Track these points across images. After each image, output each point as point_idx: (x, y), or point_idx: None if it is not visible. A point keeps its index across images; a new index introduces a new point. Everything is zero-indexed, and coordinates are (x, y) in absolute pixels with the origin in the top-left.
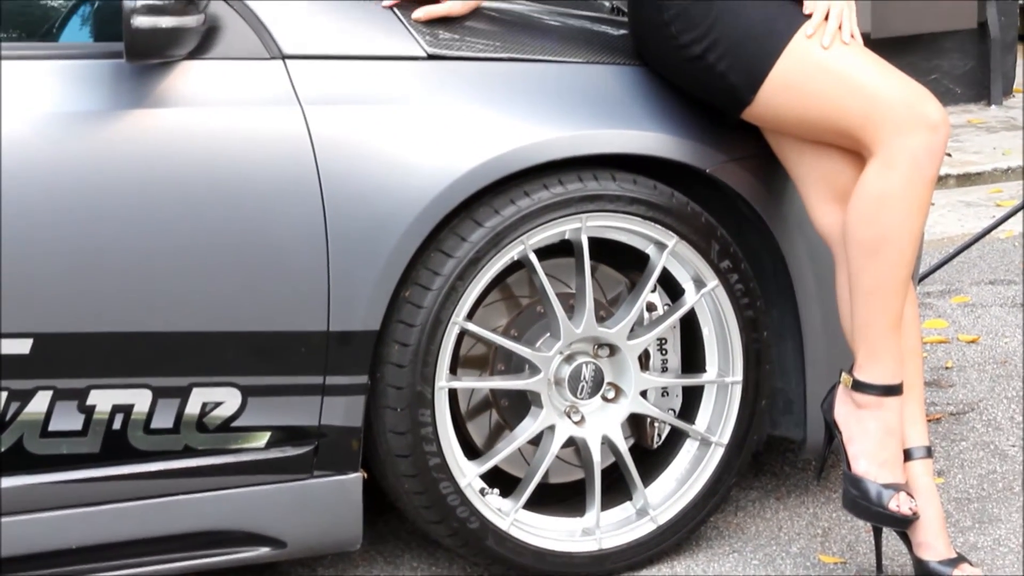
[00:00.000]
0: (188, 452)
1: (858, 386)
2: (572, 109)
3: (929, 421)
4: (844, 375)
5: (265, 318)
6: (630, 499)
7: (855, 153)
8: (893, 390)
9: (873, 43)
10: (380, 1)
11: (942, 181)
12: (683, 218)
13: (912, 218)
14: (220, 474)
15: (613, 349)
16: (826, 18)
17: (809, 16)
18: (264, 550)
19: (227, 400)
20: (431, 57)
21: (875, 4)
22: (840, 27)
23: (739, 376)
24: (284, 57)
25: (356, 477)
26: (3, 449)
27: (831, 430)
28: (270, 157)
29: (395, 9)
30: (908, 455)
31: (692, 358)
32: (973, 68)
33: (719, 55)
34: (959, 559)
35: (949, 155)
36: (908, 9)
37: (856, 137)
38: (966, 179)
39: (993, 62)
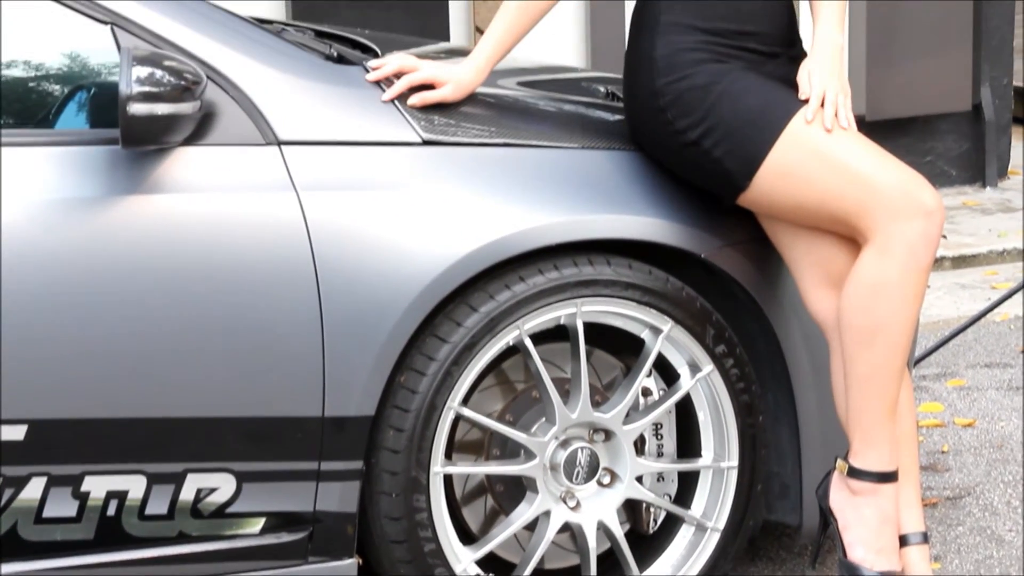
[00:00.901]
0: (183, 538)
1: (853, 473)
2: (567, 194)
3: (925, 506)
4: (839, 462)
5: (260, 403)
6: None
7: (850, 239)
8: (888, 477)
9: (868, 125)
10: (377, 87)
11: (937, 263)
12: (678, 303)
13: (907, 306)
14: (215, 560)
15: (609, 434)
16: (822, 104)
17: (804, 102)
18: None
19: (222, 486)
20: (426, 143)
21: (869, 86)
22: (836, 113)
23: (735, 461)
24: (280, 143)
25: (351, 563)
26: None
27: (827, 516)
28: (265, 242)
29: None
30: (904, 540)
31: (688, 442)
32: (968, 150)
33: (715, 141)
34: None
35: (944, 237)
36: (903, 91)
37: (851, 224)
38: (961, 261)
39: (988, 144)
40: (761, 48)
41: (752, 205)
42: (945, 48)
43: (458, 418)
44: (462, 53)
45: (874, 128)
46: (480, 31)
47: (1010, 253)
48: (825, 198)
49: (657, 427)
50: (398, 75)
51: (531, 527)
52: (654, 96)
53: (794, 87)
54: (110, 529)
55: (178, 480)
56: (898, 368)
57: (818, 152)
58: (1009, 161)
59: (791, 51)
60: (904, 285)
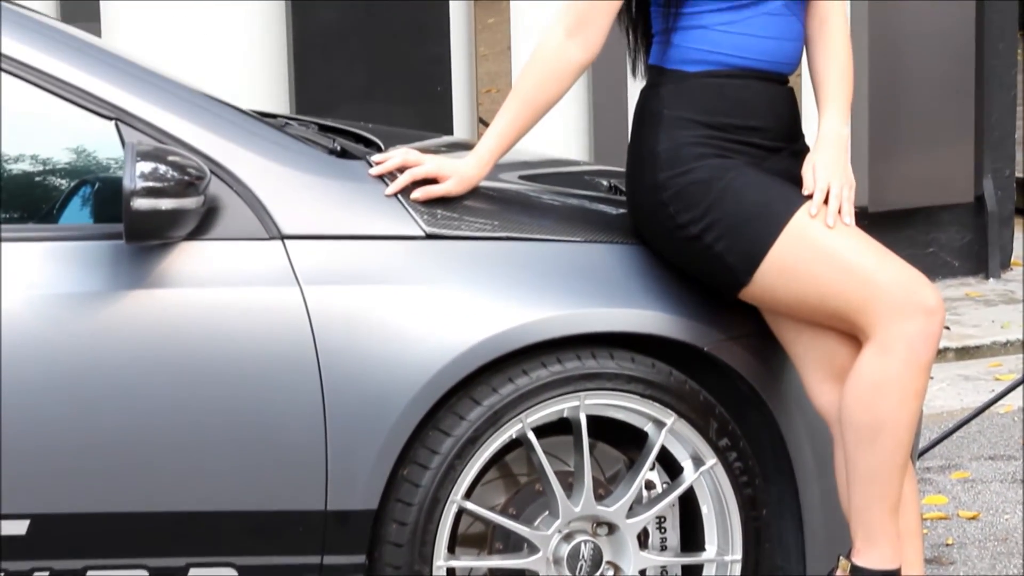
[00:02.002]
0: None
1: (856, 572)
2: (570, 288)
3: None
4: (842, 560)
5: (263, 497)
6: None
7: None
8: (891, 575)
9: (871, 216)
10: (380, 181)
11: (941, 354)
12: (681, 396)
13: (909, 404)
14: None
15: (612, 527)
16: (825, 200)
17: (807, 198)
18: None
19: None
20: (429, 236)
21: (872, 177)
22: (840, 209)
23: (739, 555)
24: (283, 237)
25: None
26: None
27: None
28: (268, 336)
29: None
30: None
31: (691, 536)
32: (971, 241)
33: (717, 235)
34: None
35: (948, 328)
36: (905, 183)
37: (852, 321)
38: (965, 352)
39: (991, 236)
40: (764, 143)
41: (754, 300)
42: (947, 140)
43: (461, 511)
44: (466, 147)
45: (877, 219)
46: (483, 122)
47: (1013, 344)
48: (826, 295)
49: (660, 520)
50: (401, 169)
51: None
52: (656, 190)
53: (797, 181)
54: None
55: (181, 575)
56: (900, 465)
57: (819, 249)
58: (1012, 252)
59: (794, 145)
60: (905, 383)
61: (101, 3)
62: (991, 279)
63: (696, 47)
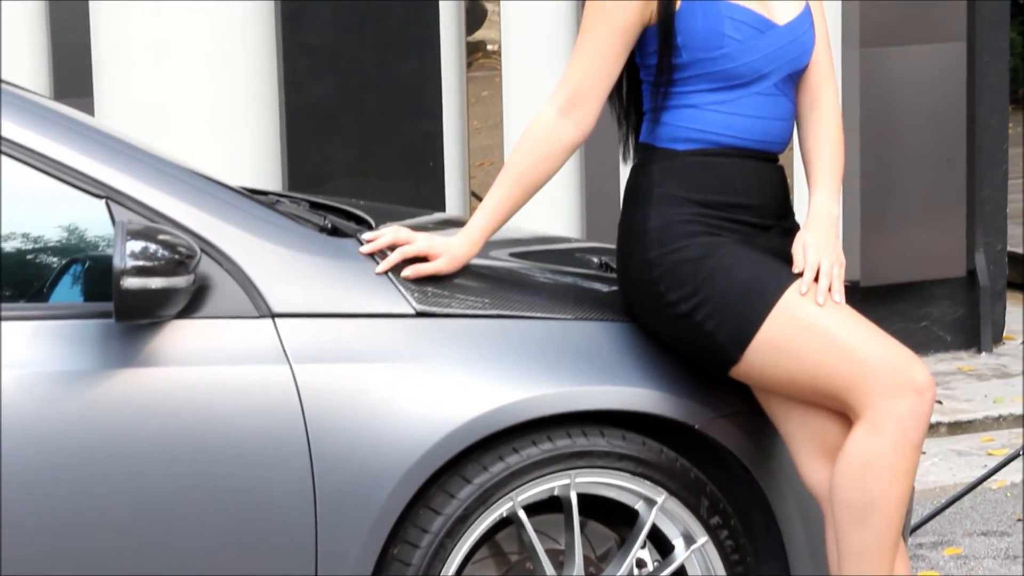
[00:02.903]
0: None
1: None
2: (561, 365)
3: None
4: None
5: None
6: None
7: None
8: None
9: (863, 291)
10: (370, 259)
11: (933, 429)
12: (672, 474)
13: (899, 483)
14: None
15: None
16: (816, 278)
17: (797, 276)
18: None
19: None
20: (420, 314)
21: (864, 252)
22: (830, 287)
23: None
24: (274, 315)
25: None
26: None
27: None
28: (258, 415)
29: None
30: None
31: None
32: (963, 315)
33: (707, 314)
34: None
35: (940, 403)
36: (897, 257)
37: (842, 399)
38: (957, 427)
39: (983, 310)
40: (754, 220)
41: (744, 378)
42: (939, 214)
43: None
44: (457, 223)
45: (869, 294)
46: (476, 196)
47: (1006, 419)
48: (816, 373)
49: None
50: (392, 247)
51: None
52: (647, 268)
53: (787, 259)
54: None
55: None
56: (891, 544)
57: (809, 327)
58: (1004, 327)
59: (784, 223)
60: (896, 462)
61: (94, 78)
62: (983, 353)
63: (687, 126)
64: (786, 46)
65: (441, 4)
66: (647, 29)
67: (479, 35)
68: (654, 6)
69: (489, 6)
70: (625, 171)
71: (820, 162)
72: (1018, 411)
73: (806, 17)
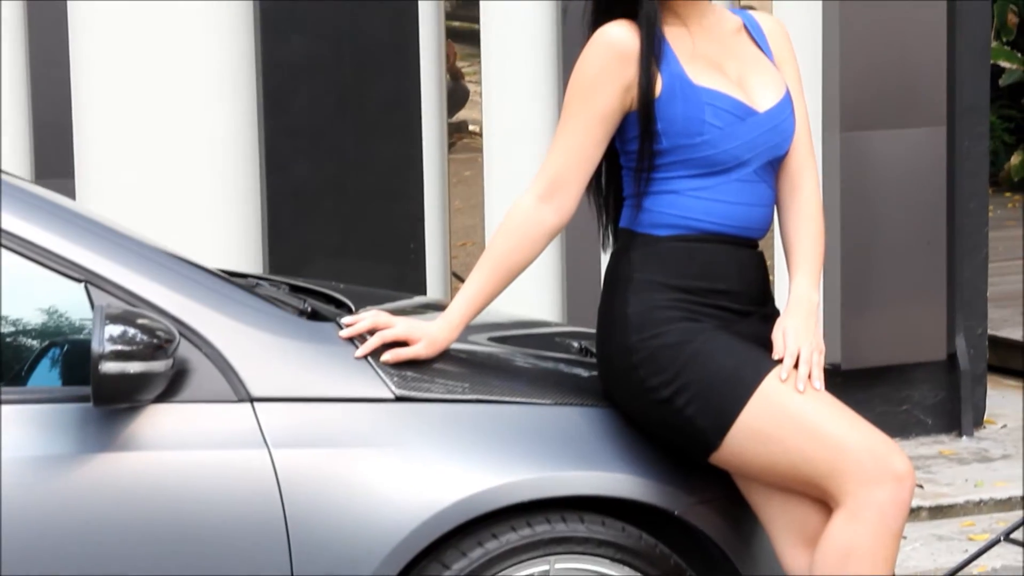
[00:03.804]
0: None
1: None
2: (540, 450)
3: None
4: None
5: None
6: None
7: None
8: None
9: (843, 374)
10: (350, 343)
11: (914, 513)
12: (652, 560)
13: (879, 570)
14: None
15: None
16: (796, 364)
17: (777, 362)
18: None
19: None
20: (399, 399)
21: (845, 335)
22: (810, 374)
23: None
24: (252, 400)
25: None
26: None
27: None
28: (237, 499)
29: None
30: None
31: None
32: (944, 399)
33: (687, 399)
34: None
35: (920, 487)
36: (878, 341)
37: (822, 487)
38: (938, 512)
39: (963, 393)
40: (734, 306)
41: (724, 464)
42: (919, 298)
43: None
44: (438, 307)
45: (850, 377)
46: (457, 277)
47: (987, 504)
48: (796, 460)
49: None
50: (372, 332)
51: None
52: (627, 353)
53: (767, 345)
54: None
55: None
56: None
57: (789, 414)
58: (985, 410)
59: (764, 309)
60: (875, 550)
61: (75, 158)
62: (964, 437)
63: (667, 211)
64: (766, 133)
65: (423, 85)
66: (628, 115)
67: (461, 116)
68: (635, 92)
69: (471, 87)
70: (606, 255)
71: (801, 248)
72: (999, 495)
73: (786, 104)
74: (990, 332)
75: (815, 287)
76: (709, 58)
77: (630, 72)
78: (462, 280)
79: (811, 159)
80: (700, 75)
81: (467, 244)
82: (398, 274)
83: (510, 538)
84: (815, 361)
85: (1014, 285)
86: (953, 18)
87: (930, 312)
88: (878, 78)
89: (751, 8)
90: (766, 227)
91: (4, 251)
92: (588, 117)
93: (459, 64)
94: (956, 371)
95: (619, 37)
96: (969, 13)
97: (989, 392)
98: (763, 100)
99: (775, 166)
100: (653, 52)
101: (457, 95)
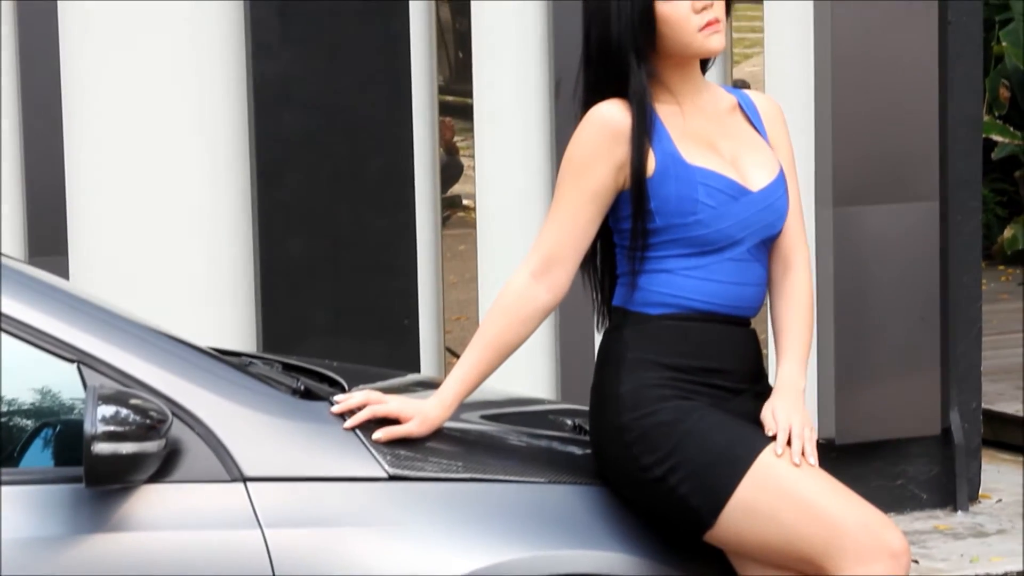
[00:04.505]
0: None
1: None
2: (534, 529)
3: None
4: None
5: None
6: None
7: None
8: None
9: (838, 449)
10: (342, 422)
11: None
12: None
13: None
14: None
15: None
16: (788, 440)
17: (771, 439)
18: None
19: None
20: (392, 478)
21: (839, 410)
22: (803, 451)
23: None
24: (245, 479)
25: None
26: None
27: None
28: None
29: (357, 430)
30: None
31: None
32: (939, 474)
33: (680, 478)
34: None
35: (916, 562)
36: (872, 416)
37: (817, 564)
38: None
39: (958, 468)
40: (727, 384)
41: (719, 542)
42: (913, 373)
43: None
44: (432, 385)
45: (844, 452)
46: (451, 352)
47: None
48: (791, 538)
49: None
50: (363, 408)
51: None
52: (620, 431)
53: (760, 423)
54: None
55: None
56: None
57: (784, 491)
58: (980, 485)
59: (757, 387)
60: None
61: (69, 236)
62: (959, 512)
63: (660, 290)
64: (760, 212)
65: (416, 159)
66: (620, 194)
67: (455, 190)
68: (627, 171)
69: (464, 161)
70: (599, 335)
71: (790, 333)
72: (995, 571)
73: (780, 183)
74: (985, 406)
75: (802, 373)
76: (702, 136)
77: (623, 150)
78: (456, 355)
79: (803, 239)
80: (693, 154)
81: (461, 319)
82: (392, 349)
83: None
84: (807, 436)
85: (1008, 359)
86: (945, 92)
87: (924, 386)
88: (870, 153)
89: (745, 74)
90: (759, 306)
91: None
92: (581, 195)
93: (453, 138)
94: (951, 446)
95: (611, 116)
96: (961, 87)
97: (984, 466)
98: (757, 179)
99: (768, 245)
100: (645, 130)
101: (451, 169)
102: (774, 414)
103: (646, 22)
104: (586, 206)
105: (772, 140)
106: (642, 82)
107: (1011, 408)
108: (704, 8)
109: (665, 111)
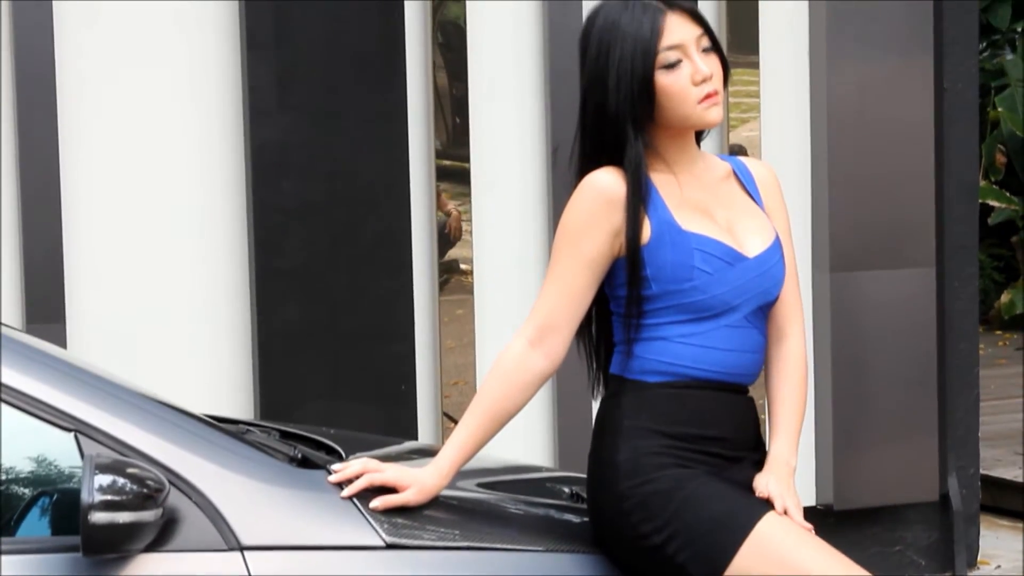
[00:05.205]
0: None
1: None
2: None
3: None
4: None
5: None
6: None
7: None
8: None
9: (836, 515)
10: (340, 491)
11: None
12: None
13: None
14: None
15: None
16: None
17: (769, 507)
18: None
19: None
20: (389, 546)
21: (837, 476)
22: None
23: None
24: (242, 548)
25: None
26: None
27: None
28: None
29: (354, 498)
30: None
31: None
32: (937, 540)
33: (679, 546)
34: None
35: None
36: (870, 481)
37: None
38: None
39: (956, 534)
40: (724, 452)
41: None
42: (911, 438)
43: None
44: (429, 453)
45: (842, 518)
46: (449, 417)
47: None
48: None
49: None
50: (360, 477)
51: None
52: (618, 499)
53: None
54: None
55: None
56: None
57: (782, 558)
58: (979, 551)
59: (755, 454)
60: None
61: (66, 303)
62: None
63: (657, 358)
64: (756, 278)
65: (414, 223)
66: (616, 261)
67: (452, 254)
68: (623, 239)
69: (462, 225)
70: (595, 402)
71: (783, 408)
72: None
73: (776, 249)
74: (983, 472)
75: (794, 451)
76: (698, 204)
77: (618, 218)
78: (454, 420)
79: (798, 307)
80: (689, 221)
81: (459, 383)
82: (390, 414)
83: None
84: (794, 508)
85: (1006, 424)
86: (941, 158)
87: (922, 452)
88: (867, 218)
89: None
90: (756, 372)
91: None
92: (577, 263)
93: (450, 202)
94: (949, 511)
95: (607, 184)
96: (957, 153)
97: (983, 532)
98: (752, 246)
99: (766, 312)
100: (640, 198)
101: (448, 233)
102: (767, 485)
103: (645, 93)
104: (582, 273)
105: (767, 207)
106: (639, 152)
107: (1010, 474)
108: (703, 80)
109: (660, 180)
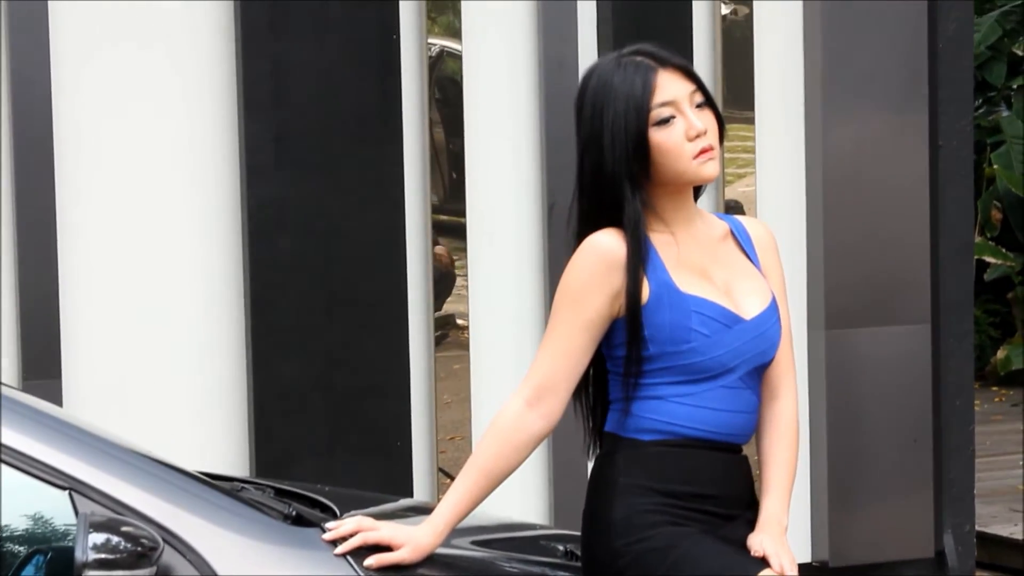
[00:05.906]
0: None
1: None
2: None
3: None
4: None
5: None
6: None
7: None
8: None
9: (831, 572)
10: (334, 549)
11: None
12: None
13: None
14: None
15: None
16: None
17: (764, 565)
18: None
19: None
20: None
21: (832, 532)
22: None
23: None
24: None
25: None
26: None
27: None
28: None
29: (348, 556)
30: None
31: None
32: None
33: None
34: None
35: None
36: (865, 538)
37: None
38: None
39: None
40: (719, 511)
41: None
42: (907, 495)
43: None
44: (424, 510)
45: (838, 574)
46: (444, 473)
47: None
48: None
49: None
50: (355, 535)
51: None
52: (612, 557)
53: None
54: None
55: None
56: None
57: None
58: None
59: (749, 513)
60: None
61: (63, 360)
62: None
63: (652, 417)
64: (753, 340)
65: (409, 279)
66: (615, 321)
67: (448, 309)
68: (623, 300)
69: (457, 280)
70: (590, 462)
71: (775, 467)
72: None
73: (772, 311)
74: (979, 528)
75: (785, 510)
76: (696, 265)
77: (618, 280)
78: (450, 476)
79: (792, 367)
80: (687, 282)
81: (455, 438)
82: (385, 471)
83: None
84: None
85: (1003, 480)
86: (936, 215)
87: (918, 509)
88: (862, 275)
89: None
90: (751, 432)
91: None
92: (576, 324)
93: (446, 258)
94: (945, 568)
95: (608, 246)
96: (952, 210)
97: None
98: (749, 307)
99: (761, 372)
100: (640, 259)
101: (444, 288)
102: (762, 544)
103: (640, 151)
104: (580, 335)
105: (764, 267)
106: (637, 210)
107: (1006, 531)
108: (697, 136)
109: (659, 240)
